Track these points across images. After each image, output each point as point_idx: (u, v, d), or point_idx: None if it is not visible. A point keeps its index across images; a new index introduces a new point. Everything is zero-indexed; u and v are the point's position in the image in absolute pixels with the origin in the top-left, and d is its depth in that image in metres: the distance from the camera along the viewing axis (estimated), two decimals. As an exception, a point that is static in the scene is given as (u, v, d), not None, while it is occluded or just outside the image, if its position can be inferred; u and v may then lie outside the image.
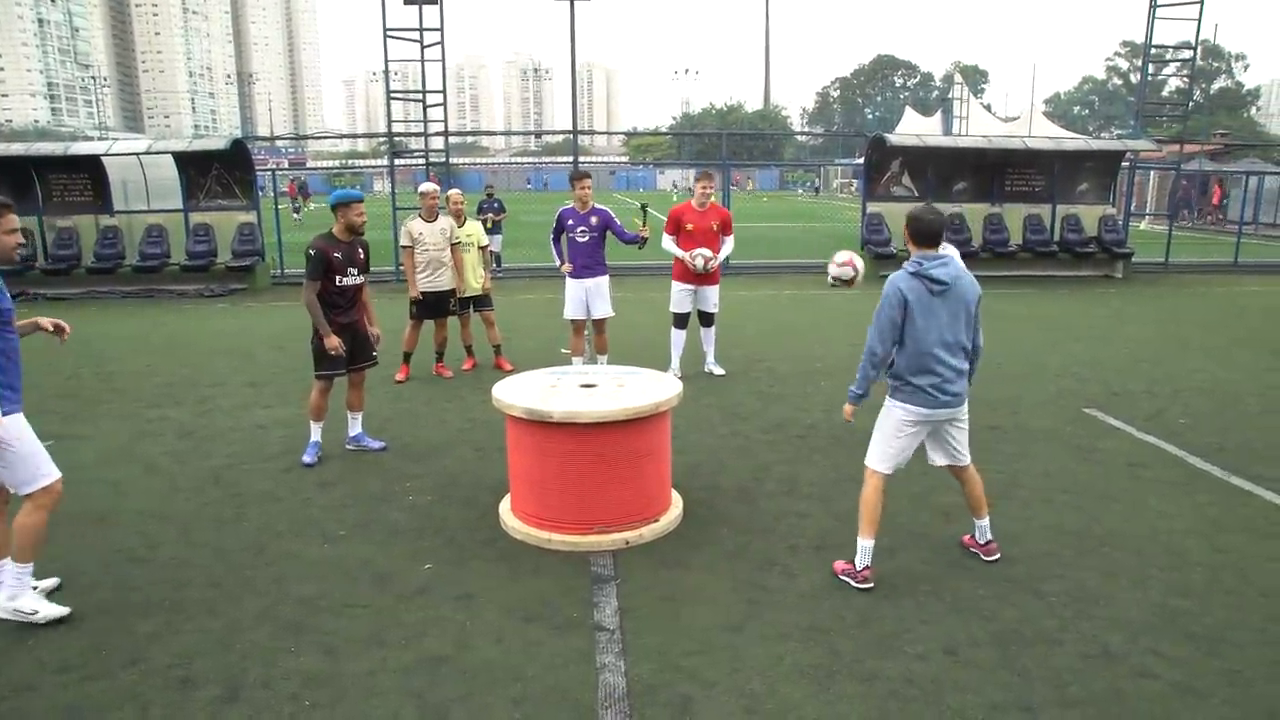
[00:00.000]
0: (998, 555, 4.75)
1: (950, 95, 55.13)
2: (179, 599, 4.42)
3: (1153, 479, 6.04)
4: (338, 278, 6.33)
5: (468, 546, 5.02)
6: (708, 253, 8.44)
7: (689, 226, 8.53)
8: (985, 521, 4.79)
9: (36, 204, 16.19)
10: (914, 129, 48.72)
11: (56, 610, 4.18)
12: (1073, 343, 10.77)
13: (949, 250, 7.04)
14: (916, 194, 17.54)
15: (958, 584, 4.50)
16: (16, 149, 16.66)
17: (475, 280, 9.19)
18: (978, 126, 45.13)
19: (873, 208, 17.34)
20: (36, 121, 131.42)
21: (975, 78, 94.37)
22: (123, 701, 3.56)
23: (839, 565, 4.61)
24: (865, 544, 4.48)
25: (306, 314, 6.31)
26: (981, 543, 4.79)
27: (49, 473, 4.12)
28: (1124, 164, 18.49)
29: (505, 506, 5.40)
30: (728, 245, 8.74)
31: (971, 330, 4.45)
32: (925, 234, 4.39)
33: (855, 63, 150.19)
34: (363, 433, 6.88)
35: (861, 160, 22.41)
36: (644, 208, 8.48)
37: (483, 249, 9.27)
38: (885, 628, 4.07)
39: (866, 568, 4.47)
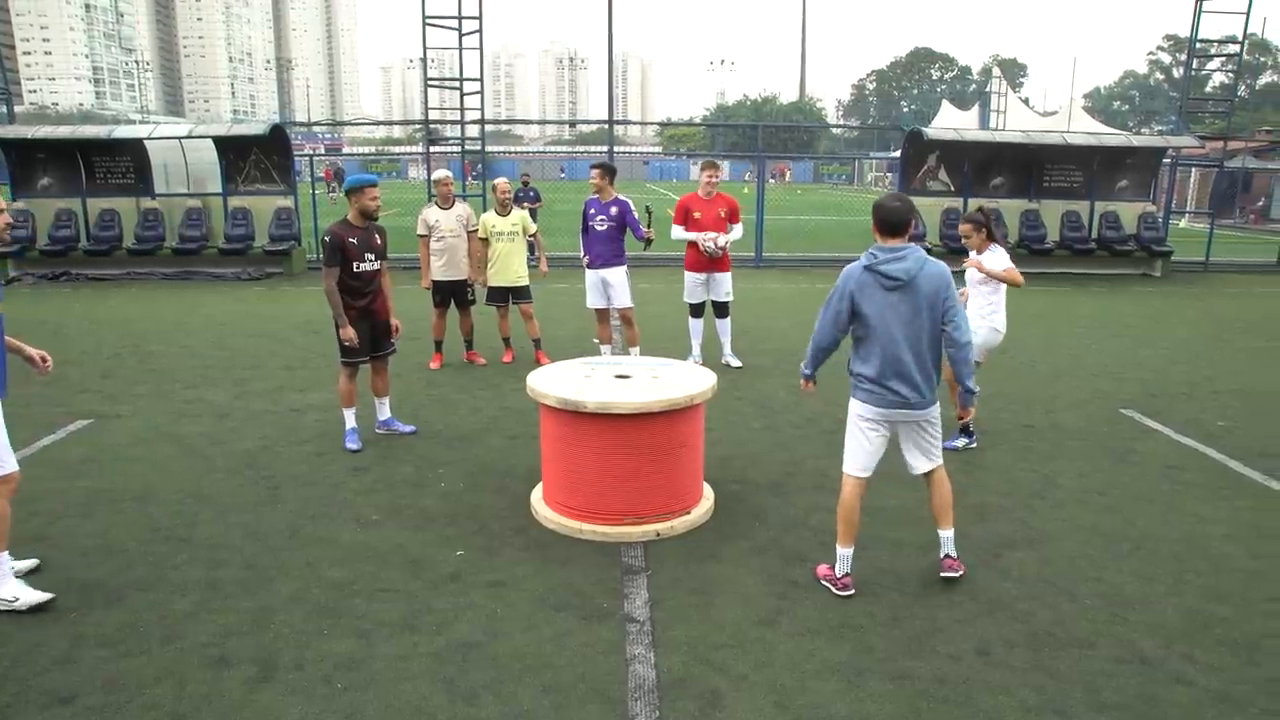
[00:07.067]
0: (958, 573, 4.44)
1: (988, 89, 54.38)
2: (215, 579, 4.49)
3: (1190, 482, 5.95)
4: (355, 264, 6.33)
5: (499, 534, 5.05)
6: (717, 235, 8.51)
7: (697, 215, 8.60)
8: (949, 533, 4.50)
9: (80, 186, 16.44)
10: (951, 123, 48.13)
11: (38, 596, 4.14)
12: (1110, 342, 10.62)
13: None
14: (952, 188, 17.37)
15: (990, 584, 4.47)
16: (63, 132, 16.87)
17: (520, 270, 9.01)
18: (1016, 121, 44.44)
19: (908, 202, 17.15)
20: (81, 105, 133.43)
21: (1013, 71, 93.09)
22: (161, 677, 3.62)
23: (821, 569, 4.51)
24: (844, 552, 4.36)
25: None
26: (941, 556, 4.50)
27: (8, 463, 4.13)
28: (1165, 160, 18.20)
29: (537, 495, 5.43)
30: (735, 231, 8.78)
31: (937, 324, 4.19)
32: (887, 223, 4.18)
33: (891, 55, 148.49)
34: (392, 417, 6.94)
35: (897, 153, 22.20)
36: (648, 209, 8.52)
37: (532, 237, 9.12)
38: (917, 627, 4.05)
39: (846, 574, 4.37)
